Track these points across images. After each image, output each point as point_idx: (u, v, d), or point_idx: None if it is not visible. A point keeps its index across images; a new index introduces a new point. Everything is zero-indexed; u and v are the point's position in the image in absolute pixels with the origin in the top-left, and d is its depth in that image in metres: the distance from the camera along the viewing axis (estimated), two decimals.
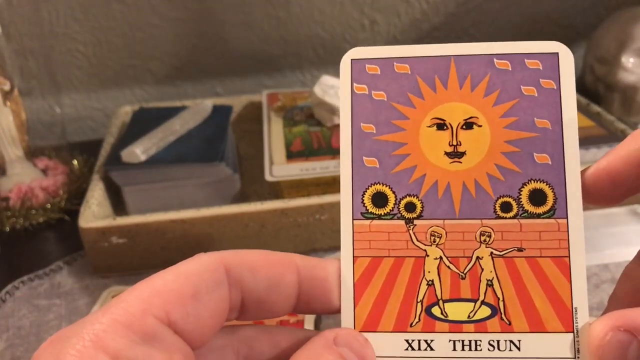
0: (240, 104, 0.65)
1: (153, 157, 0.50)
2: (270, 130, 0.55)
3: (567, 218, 0.22)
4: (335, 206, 0.46)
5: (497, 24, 0.75)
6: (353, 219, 0.23)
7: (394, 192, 0.23)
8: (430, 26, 0.73)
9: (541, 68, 0.23)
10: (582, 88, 0.68)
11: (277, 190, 0.51)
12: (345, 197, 0.23)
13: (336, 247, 0.47)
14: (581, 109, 0.58)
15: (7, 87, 0.52)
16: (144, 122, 0.55)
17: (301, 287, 0.22)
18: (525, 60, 0.23)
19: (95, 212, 0.46)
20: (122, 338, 0.18)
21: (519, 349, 0.22)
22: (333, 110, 0.54)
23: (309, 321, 0.38)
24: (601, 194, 0.21)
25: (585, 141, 0.51)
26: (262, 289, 0.21)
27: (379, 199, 0.23)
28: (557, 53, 0.23)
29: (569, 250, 0.22)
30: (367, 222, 0.23)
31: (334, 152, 0.51)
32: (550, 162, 0.22)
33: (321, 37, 0.71)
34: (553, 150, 0.22)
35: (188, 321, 0.19)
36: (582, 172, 0.22)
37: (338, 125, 0.60)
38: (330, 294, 0.22)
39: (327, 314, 0.23)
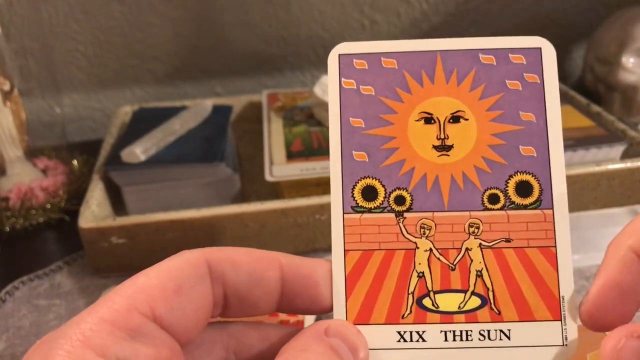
0: (240, 104, 0.65)
1: (153, 157, 0.50)
2: (270, 130, 0.55)
3: (552, 209, 0.23)
4: None
5: (497, 24, 0.75)
6: (343, 213, 0.23)
7: (383, 186, 0.23)
8: (430, 26, 0.73)
9: (525, 63, 0.23)
10: (582, 88, 0.68)
11: (277, 190, 0.51)
12: (335, 191, 0.23)
13: None
14: (581, 109, 0.58)
15: (7, 87, 0.52)
16: (144, 122, 0.55)
17: (284, 284, 0.22)
18: (510, 55, 0.23)
19: (95, 212, 0.46)
20: (108, 335, 0.18)
21: (509, 338, 0.22)
22: None
23: (309, 321, 0.38)
24: (600, 325, 0.21)
25: (585, 141, 0.51)
26: (244, 284, 0.21)
27: (369, 193, 0.23)
28: (540, 48, 0.23)
29: (555, 240, 0.22)
30: (358, 215, 0.23)
31: None
32: (535, 155, 0.23)
33: (321, 37, 0.71)
34: (538, 142, 0.23)
35: (173, 315, 0.19)
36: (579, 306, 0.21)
37: None
38: (316, 293, 0.22)
39: (313, 314, 0.23)
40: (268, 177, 0.49)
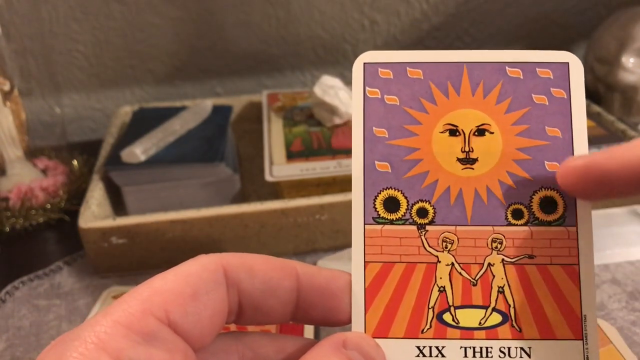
0: (240, 104, 0.65)
1: (153, 157, 0.50)
2: (270, 130, 0.55)
3: (576, 226, 0.22)
4: (335, 207, 0.46)
5: (497, 25, 0.75)
6: (364, 224, 0.23)
7: (406, 197, 0.23)
8: (430, 26, 0.73)
9: (552, 77, 0.23)
10: None
11: (277, 190, 0.51)
12: (356, 201, 0.23)
13: (336, 248, 0.47)
14: None
15: (7, 87, 0.52)
16: (144, 122, 0.55)
17: (300, 294, 0.22)
18: (537, 69, 0.23)
19: (95, 213, 0.46)
20: (123, 338, 0.18)
21: (529, 356, 0.22)
22: (333, 110, 0.54)
23: (308, 325, 0.38)
24: (580, 188, 0.21)
25: None
26: (259, 292, 0.21)
27: (391, 204, 0.23)
28: (568, 63, 0.23)
29: (578, 258, 0.22)
30: (379, 227, 0.23)
31: (334, 153, 0.51)
32: None
33: (321, 37, 0.71)
34: (563, 158, 0.23)
35: (188, 321, 0.19)
36: (572, 160, 0.21)
37: (338, 126, 0.60)
38: (332, 304, 0.22)
39: (329, 325, 0.23)
40: (268, 177, 0.49)
